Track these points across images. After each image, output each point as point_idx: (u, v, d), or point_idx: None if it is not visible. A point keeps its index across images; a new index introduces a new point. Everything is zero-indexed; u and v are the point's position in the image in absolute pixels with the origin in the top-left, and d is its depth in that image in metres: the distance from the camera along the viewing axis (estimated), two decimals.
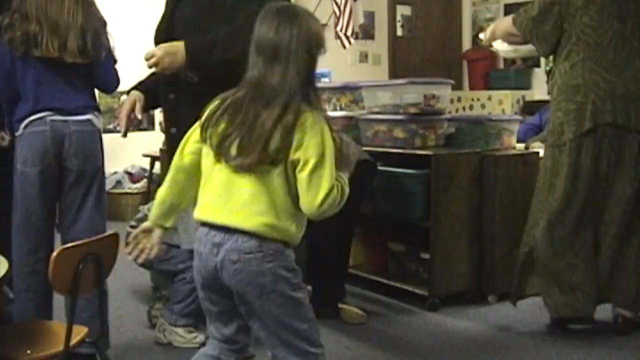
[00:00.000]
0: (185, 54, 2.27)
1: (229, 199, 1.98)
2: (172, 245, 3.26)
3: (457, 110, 8.18)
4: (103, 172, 3.03)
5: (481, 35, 3.89)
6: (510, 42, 3.62)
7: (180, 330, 3.31)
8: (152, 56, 2.28)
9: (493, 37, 3.68)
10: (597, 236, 3.43)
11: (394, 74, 8.42)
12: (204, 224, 2.03)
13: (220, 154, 1.97)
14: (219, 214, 1.99)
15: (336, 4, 7.18)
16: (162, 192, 2.13)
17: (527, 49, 3.65)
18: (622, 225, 3.40)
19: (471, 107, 8.14)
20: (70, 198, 2.94)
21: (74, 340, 2.25)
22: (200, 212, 2.05)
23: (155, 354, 3.29)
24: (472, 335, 3.51)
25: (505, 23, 3.58)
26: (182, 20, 2.46)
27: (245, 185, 1.95)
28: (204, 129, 2.01)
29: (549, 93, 3.65)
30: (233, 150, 1.94)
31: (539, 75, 8.05)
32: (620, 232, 3.40)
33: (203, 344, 3.07)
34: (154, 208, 2.16)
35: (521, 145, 5.12)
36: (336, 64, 7.11)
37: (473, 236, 3.92)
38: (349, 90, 4.45)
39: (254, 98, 1.96)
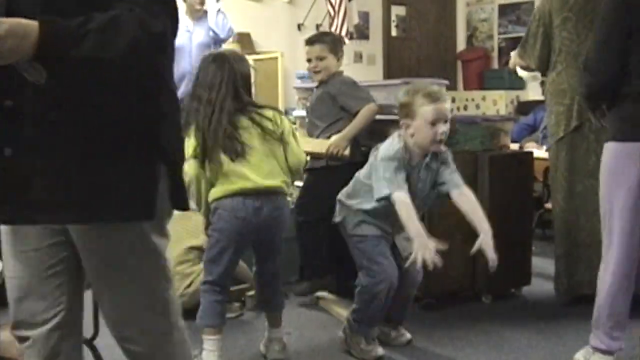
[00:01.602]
0: (38, 39, 1.52)
1: (259, 170, 2.93)
2: None
3: (451, 110, 8.18)
4: None
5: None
6: (527, 70, 4.06)
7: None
8: None
9: (514, 65, 4.11)
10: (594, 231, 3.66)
11: (388, 74, 8.44)
12: (238, 194, 2.90)
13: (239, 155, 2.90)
14: (255, 182, 2.91)
15: (331, 4, 7.18)
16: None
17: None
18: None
19: (465, 107, 8.16)
20: None
21: None
22: (233, 186, 2.90)
23: None
24: (466, 334, 3.51)
25: (516, 56, 4.02)
26: (29, 1, 1.65)
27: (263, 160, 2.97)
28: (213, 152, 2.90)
29: (543, 94, 3.81)
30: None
31: None
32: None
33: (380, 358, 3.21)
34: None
35: (515, 145, 5.14)
36: None
37: (468, 236, 3.89)
38: None
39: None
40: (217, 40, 5.59)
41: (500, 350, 3.30)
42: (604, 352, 2.94)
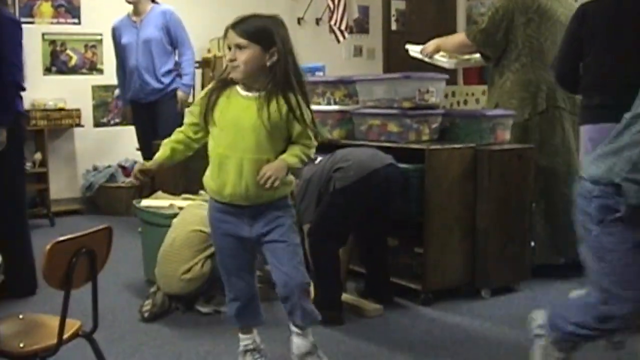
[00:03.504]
0: None
1: None
2: None
3: (451, 104, 8.20)
4: None
5: (415, 47, 4.84)
6: (461, 53, 4.62)
7: None
8: None
9: (438, 50, 4.67)
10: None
11: (388, 68, 8.43)
12: None
13: None
14: None
15: None
16: None
17: (469, 62, 4.76)
18: None
19: (465, 102, 8.16)
20: None
21: (66, 334, 2.25)
22: None
23: (147, 348, 3.28)
24: (465, 329, 3.51)
25: (457, 38, 4.61)
26: None
27: None
28: None
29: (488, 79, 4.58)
30: None
31: None
32: None
33: None
34: None
35: None
36: (330, 58, 7.12)
37: (467, 231, 3.92)
38: (343, 84, 4.44)
39: None
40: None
41: (499, 345, 3.31)
42: None
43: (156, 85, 5.56)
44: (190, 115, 2.80)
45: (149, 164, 2.83)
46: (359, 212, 3.66)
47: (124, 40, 5.58)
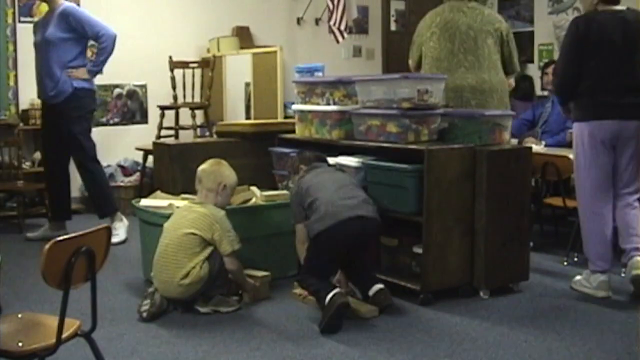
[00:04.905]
0: None
1: None
2: None
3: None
4: None
5: None
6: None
7: None
8: None
9: None
10: None
11: (387, 68, 8.43)
12: None
13: None
14: None
15: None
16: None
17: None
18: None
19: None
20: None
21: (65, 333, 2.25)
22: None
23: (146, 348, 3.28)
24: (464, 329, 3.51)
25: None
26: None
27: None
28: None
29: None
30: None
31: (533, 70, 8.06)
32: None
33: None
34: None
35: (514, 141, 5.14)
36: (330, 58, 7.12)
37: (465, 231, 3.92)
38: (343, 84, 4.44)
39: None
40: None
41: (498, 345, 3.31)
42: (600, 272, 3.96)
43: (51, 85, 5.26)
44: None
45: None
46: (339, 251, 3.72)
47: (34, 38, 5.39)
